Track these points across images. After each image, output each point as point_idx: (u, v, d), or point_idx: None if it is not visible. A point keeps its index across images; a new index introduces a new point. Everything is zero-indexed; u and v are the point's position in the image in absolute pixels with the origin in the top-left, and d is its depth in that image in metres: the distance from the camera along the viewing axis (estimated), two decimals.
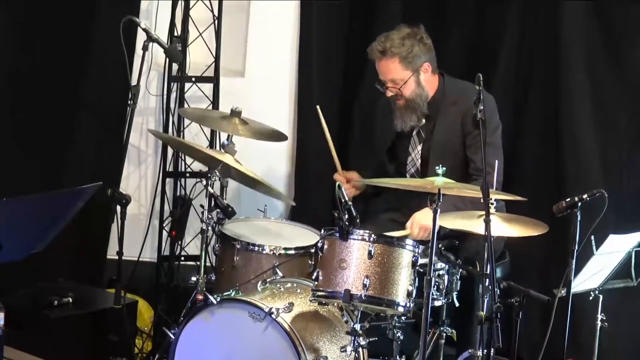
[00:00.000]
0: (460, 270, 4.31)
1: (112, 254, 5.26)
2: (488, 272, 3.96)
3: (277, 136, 4.90)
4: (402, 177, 4.92)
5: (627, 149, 5.29)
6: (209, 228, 4.47)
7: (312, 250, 4.47)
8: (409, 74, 4.76)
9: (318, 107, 4.86)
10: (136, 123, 5.39)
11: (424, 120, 4.85)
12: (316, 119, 5.73)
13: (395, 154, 5.00)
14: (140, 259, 5.44)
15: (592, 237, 4.23)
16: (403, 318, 4.18)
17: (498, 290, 3.92)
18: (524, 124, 5.35)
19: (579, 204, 4.11)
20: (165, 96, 5.63)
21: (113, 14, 5.20)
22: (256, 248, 4.57)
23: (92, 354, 4.71)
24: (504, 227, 4.16)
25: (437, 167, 4.05)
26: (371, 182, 4.61)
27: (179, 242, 5.59)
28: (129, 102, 4.69)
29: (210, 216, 4.45)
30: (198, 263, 4.60)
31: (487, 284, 4.01)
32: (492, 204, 3.95)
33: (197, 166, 5.63)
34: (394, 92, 4.79)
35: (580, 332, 4.85)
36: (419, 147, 4.90)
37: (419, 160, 4.89)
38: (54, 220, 3.79)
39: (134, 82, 4.74)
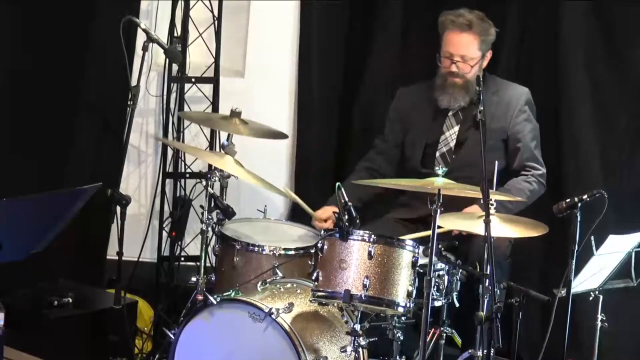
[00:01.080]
0: (461, 271, 4.32)
1: (112, 254, 5.26)
2: (488, 272, 3.96)
3: (278, 134, 4.90)
4: (427, 157, 4.91)
5: (627, 149, 5.29)
6: (209, 228, 4.47)
7: (312, 251, 4.47)
8: (479, 55, 4.81)
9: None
10: (136, 123, 5.39)
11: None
12: (317, 119, 5.74)
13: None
14: (140, 259, 5.44)
15: (592, 237, 4.23)
16: (403, 318, 4.19)
17: (498, 291, 3.92)
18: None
19: (579, 204, 4.11)
20: (165, 97, 5.63)
21: (113, 14, 5.20)
22: (256, 248, 4.57)
23: (92, 354, 4.71)
24: (504, 228, 4.16)
25: (437, 168, 4.06)
26: (372, 182, 4.61)
27: (179, 243, 5.59)
28: (129, 102, 4.69)
29: (210, 217, 4.45)
30: (198, 263, 4.60)
31: (487, 284, 4.01)
32: (491, 204, 3.94)
33: (197, 166, 5.63)
34: (459, 69, 4.79)
35: (580, 332, 4.85)
36: (456, 128, 4.89)
37: (454, 141, 4.88)
38: (54, 220, 3.79)
39: (133, 82, 4.74)
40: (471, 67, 4.78)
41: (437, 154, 4.90)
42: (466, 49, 4.79)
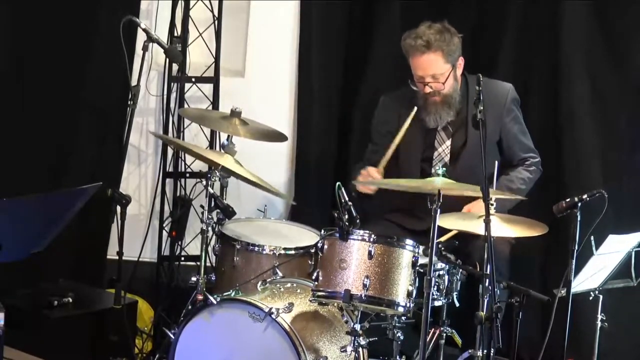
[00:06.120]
0: (461, 271, 4.32)
1: (112, 254, 5.26)
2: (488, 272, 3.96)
3: (277, 136, 4.90)
4: (424, 173, 4.87)
5: (627, 149, 5.29)
6: (209, 228, 4.47)
7: (312, 251, 4.47)
8: (449, 68, 4.72)
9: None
10: (136, 123, 5.39)
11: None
12: (317, 119, 5.74)
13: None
14: (140, 259, 5.44)
15: (592, 237, 4.23)
16: (403, 318, 4.18)
17: (498, 291, 3.92)
18: (524, 123, 5.36)
19: (579, 204, 4.11)
20: (165, 96, 5.63)
21: (113, 14, 5.20)
22: (256, 248, 4.57)
23: (92, 354, 4.71)
24: (504, 228, 4.16)
25: (437, 168, 4.06)
26: (372, 183, 4.61)
27: (179, 243, 5.59)
28: (129, 102, 4.69)
29: (210, 216, 4.45)
30: (198, 263, 4.60)
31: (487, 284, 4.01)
32: (491, 204, 3.95)
33: (197, 166, 5.63)
34: (434, 89, 4.73)
35: (580, 332, 4.84)
36: (448, 142, 4.87)
37: (448, 155, 4.86)
38: (54, 220, 3.79)
39: (134, 82, 4.74)
40: (444, 83, 4.72)
41: (433, 170, 4.87)
42: (434, 68, 4.70)
